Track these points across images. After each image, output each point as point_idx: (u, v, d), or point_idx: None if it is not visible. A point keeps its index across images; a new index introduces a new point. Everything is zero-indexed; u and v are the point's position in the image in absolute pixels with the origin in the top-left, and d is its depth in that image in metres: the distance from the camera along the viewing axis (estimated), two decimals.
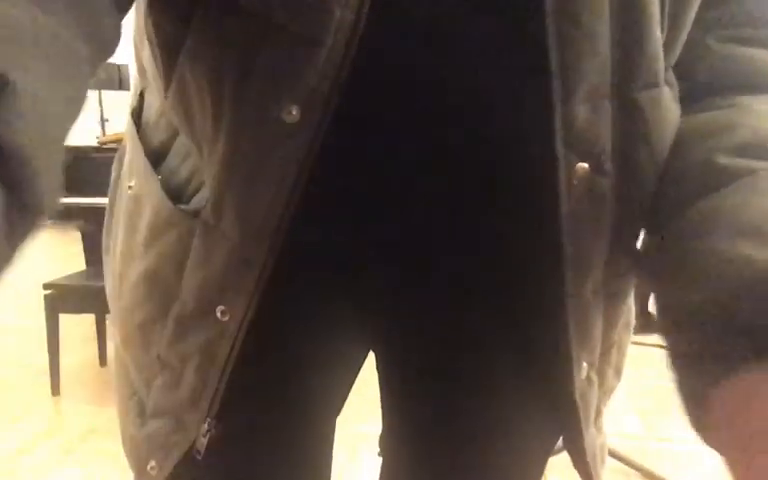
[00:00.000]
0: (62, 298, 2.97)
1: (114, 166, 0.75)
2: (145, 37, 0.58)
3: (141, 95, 0.71)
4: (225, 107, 0.53)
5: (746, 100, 0.53)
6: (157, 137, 0.66)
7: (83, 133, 4.30)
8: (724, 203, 0.48)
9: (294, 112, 0.50)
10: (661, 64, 0.54)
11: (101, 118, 5.50)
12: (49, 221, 0.35)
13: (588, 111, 0.52)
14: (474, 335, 0.67)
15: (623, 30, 0.51)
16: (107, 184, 0.75)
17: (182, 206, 0.60)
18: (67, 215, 3.08)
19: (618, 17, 0.50)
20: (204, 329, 0.60)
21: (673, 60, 0.56)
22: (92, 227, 3.35)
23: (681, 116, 0.56)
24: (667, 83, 0.56)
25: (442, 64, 0.57)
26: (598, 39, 0.50)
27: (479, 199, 0.63)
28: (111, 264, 0.72)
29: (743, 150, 0.49)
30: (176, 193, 0.61)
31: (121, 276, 0.68)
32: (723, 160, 0.50)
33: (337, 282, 0.67)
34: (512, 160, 0.59)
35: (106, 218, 0.75)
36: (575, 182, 0.53)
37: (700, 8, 0.55)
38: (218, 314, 0.59)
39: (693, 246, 0.48)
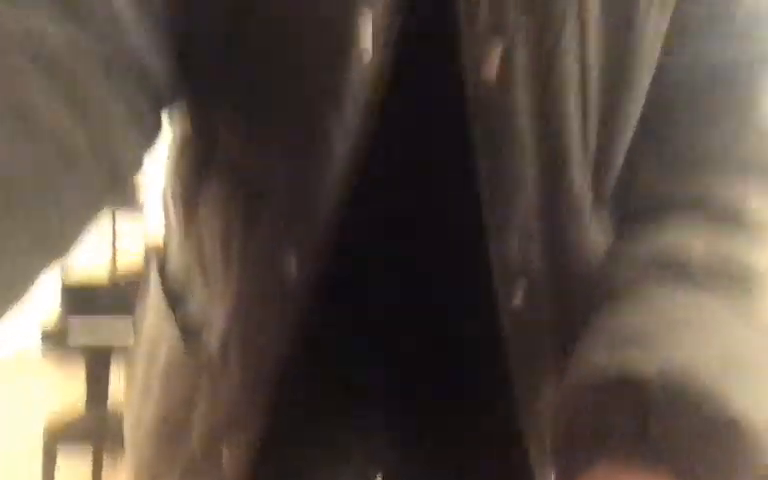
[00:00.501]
0: (61, 431, 2.92)
1: (139, 294, 0.78)
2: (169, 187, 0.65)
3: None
4: (233, 257, 0.59)
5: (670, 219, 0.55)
6: (177, 278, 0.69)
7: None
8: (602, 314, 0.52)
9: (293, 266, 0.56)
10: (586, 201, 0.60)
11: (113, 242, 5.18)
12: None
13: (518, 244, 0.57)
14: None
15: (548, 170, 0.57)
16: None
17: (195, 347, 0.63)
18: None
19: (542, 161, 0.56)
20: (210, 476, 0.63)
21: (603, 193, 0.61)
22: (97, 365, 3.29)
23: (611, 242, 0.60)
24: (595, 217, 0.61)
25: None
26: (525, 180, 0.56)
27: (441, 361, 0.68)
28: (130, 397, 0.74)
29: (644, 266, 0.53)
30: (191, 335, 0.65)
31: (138, 419, 0.70)
32: (621, 274, 0.53)
33: (340, 420, 0.70)
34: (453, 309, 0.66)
35: (132, 345, 0.78)
36: (512, 312, 0.58)
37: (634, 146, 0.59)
38: (223, 460, 0.61)
39: (576, 350, 0.51)
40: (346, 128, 0.54)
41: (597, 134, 0.57)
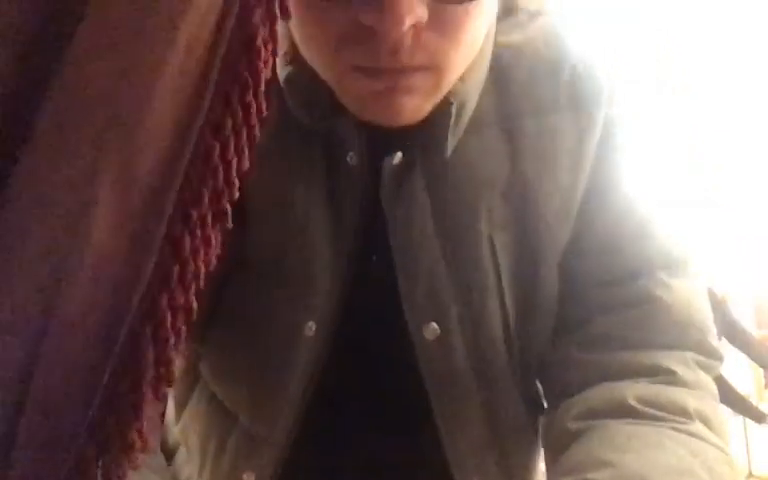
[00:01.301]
0: None
1: None
2: None
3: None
4: (208, 461, 0.75)
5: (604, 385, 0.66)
6: (171, 436, 0.81)
7: None
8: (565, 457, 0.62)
9: None
10: (521, 409, 0.75)
11: None
12: None
13: (474, 458, 0.72)
14: None
15: (488, 397, 0.71)
16: None
17: None
18: None
19: (481, 389, 0.69)
20: None
21: (532, 388, 0.76)
22: None
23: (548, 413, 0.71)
24: (528, 415, 0.76)
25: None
26: (471, 405, 0.70)
27: None
28: None
29: (585, 415, 0.62)
30: None
31: None
32: (572, 425, 0.62)
33: None
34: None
35: None
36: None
37: (560, 331, 0.71)
38: None
39: None
40: (299, 378, 0.68)
41: (519, 341, 0.71)
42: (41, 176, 0.38)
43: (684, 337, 0.67)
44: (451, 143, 0.63)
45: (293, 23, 0.54)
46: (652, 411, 0.60)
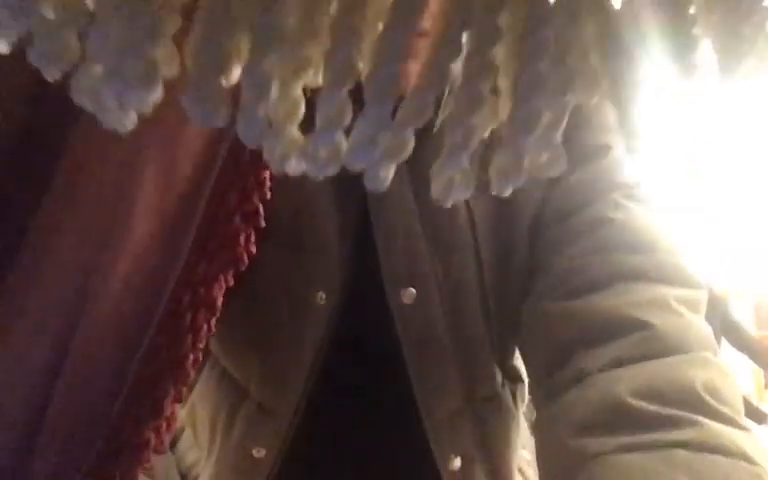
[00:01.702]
0: None
1: None
2: None
3: None
4: (217, 437, 0.77)
5: (585, 363, 0.60)
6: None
7: None
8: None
9: (263, 454, 0.74)
10: (497, 379, 0.75)
11: None
12: None
13: (449, 426, 0.73)
14: None
15: (465, 364, 0.72)
16: None
17: None
18: None
19: (458, 355, 0.71)
20: None
21: (509, 359, 0.77)
22: None
23: (538, 406, 0.68)
24: (504, 387, 0.77)
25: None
26: (447, 373, 0.71)
27: None
28: None
29: (581, 431, 0.57)
30: (182, 475, 0.80)
31: None
32: (571, 443, 0.58)
33: None
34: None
35: None
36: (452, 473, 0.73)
37: (530, 288, 0.69)
38: None
39: None
40: (309, 347, 0.70)
41: (496, 305, 0.71)
42: (79, 181, 0.38)
43: (652, 262, 0.62)
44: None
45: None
46: (654, 409, 0.53)
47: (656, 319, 0.58)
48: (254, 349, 0.74)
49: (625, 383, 0.55)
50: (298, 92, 0.21)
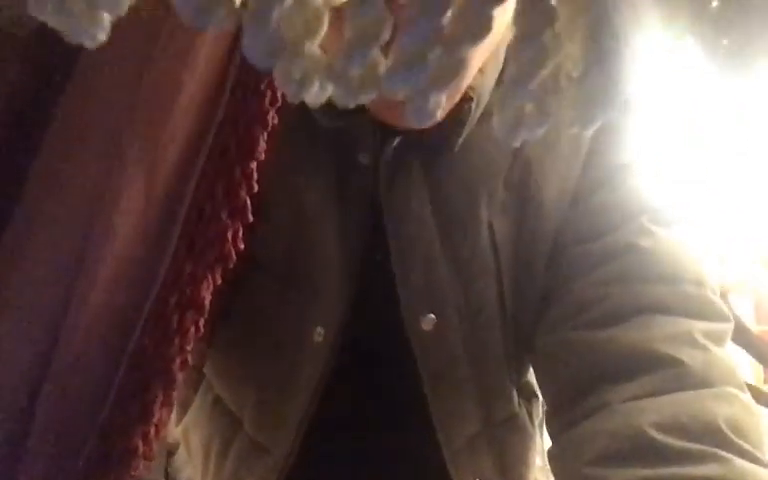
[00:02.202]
0: None
1: None
2: None
3: None
4: (210, 466, 0.75)
5: (609, 396, 0.58)
6: (171, 436, 0.80)
7: None
8: None
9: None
10: (514, 400, 0.73)
11: None
12: None
13: (469, 451, 0.71)
14: None
15: (483, 388, 0.69)
16: None
17: None
18: None
19: (477, 379, 0.68)
20: None
21: (524, 376, 0.75)
22: None
23: (556, 433, 0.65)
24: (521, 407, 0.74)
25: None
26: (466, 398, 0.69)
27: None
28: None
29: (601, 461, 0.56)
30: None
31: None
32: (588, 472, 0.56)
33: None
34: None
35: None
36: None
37: (547, 310, 0.66)
38: None
39: None
40: (305, 384, 0.67)
41: (515, 328, 0.68)
42: (60, 175, 0.37)
43: (677, 294, 0.60)
44: (462, 135, 0.62)
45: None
46: (678, 444, 0.52)
47: (683, 355, 0.56)
48: (249, 383, 0.71)
49: (648, 415, 0.54)
50: (318, 0, 0.16)
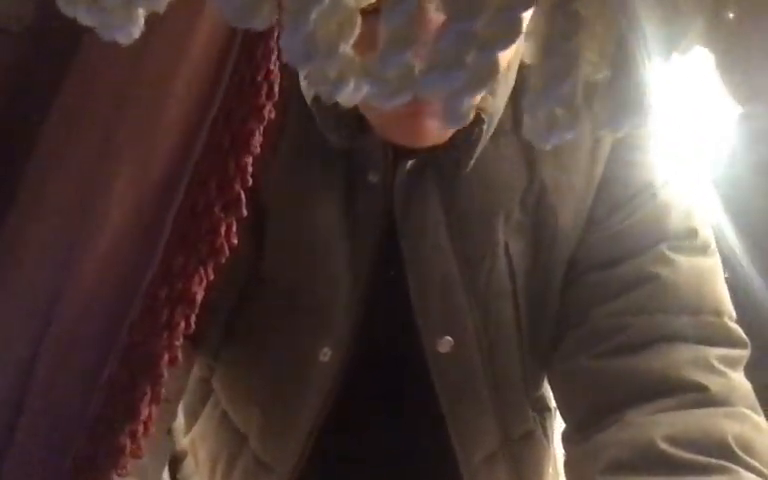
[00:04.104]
0: None
1: None
2: None
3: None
4: (217, 475, 0.75)
5: (627, 415, 0.59)
6: (179, 445, 0.81)
7: None
8: None
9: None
10: (530, 415, 0.74)
11: None
12: None
13: (487, 469, 0.72)
14: None
15: (501, 406, 0.70)
16: None
17: None
18: None
19: (494, 398, 0.69)
20: None
21: (539, 390, 0.75)
22: None
23: (572, 446, 0.67)
24: (536, 422, 0.75)
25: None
26: (484, 418, 0.69)
27: None
28: None
29: (613, 469, 0.57)
30: None
31: None
32: (598, 479, 0.58)
33: None
34: None
35: None
36: None
37: (560, 339, 0.67)
38: None
39: None
40: (311, 405, 0.67)
41: (531, 348, 0.69)
42: (52, 169, 0.36)
43: (695, 324, 0.61)
44: (474, 155, 0.61)
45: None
46: (687, 456, 0.53)
47: (704, 379, 0.58)
48: (254, 401, 0.71)
49: (660, 428, 0.56)
50: (352, 3, 0.16)
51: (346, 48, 0.17)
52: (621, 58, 0.17)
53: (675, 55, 0.21)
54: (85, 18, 0.15)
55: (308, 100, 0.59)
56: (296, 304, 0.65)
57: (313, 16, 0.16)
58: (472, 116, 0.18)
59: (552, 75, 0.17)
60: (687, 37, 0.21)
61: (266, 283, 0.66)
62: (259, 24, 0.15)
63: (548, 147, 0.19)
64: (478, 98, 0.16)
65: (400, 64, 0.16)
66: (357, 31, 0.17)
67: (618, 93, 0.17)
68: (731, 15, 0.20)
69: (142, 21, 0.15)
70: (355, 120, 0.59)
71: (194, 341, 0.70)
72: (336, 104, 0.57)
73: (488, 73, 0.17)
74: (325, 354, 0.65)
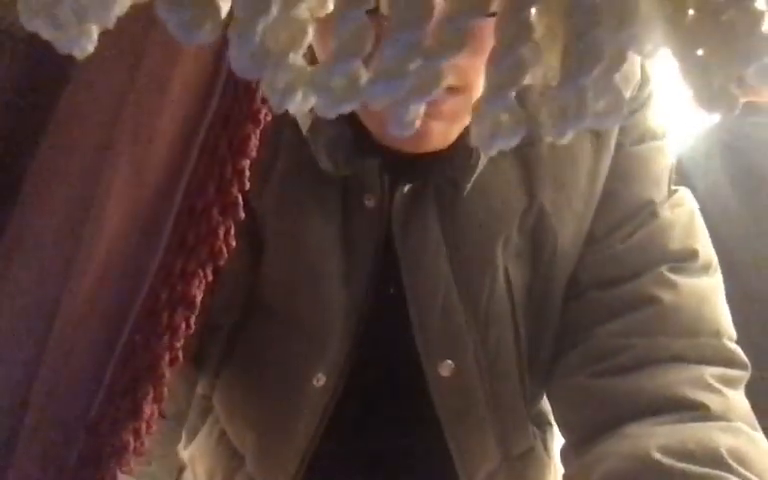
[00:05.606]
0: None
1: None
2: None
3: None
4: None
5: (627, 429, 0.60)
6: (178, 459, 0.82)
7: None
8: None
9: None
10: (530, 432, 0.74)
11: None
12: None
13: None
14: None
15: (501, 425, 0.70)
16: None
17: None
18: None
19: (495, 418, 0.69)
20: None
21: (538, 406, 0.76)
22: None
23: (571, 458, 0.67)
24: (536, 438, 0.76)
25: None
26: (485, 437, 0.70)
27: None
28: None
29: (611, 478, 0.57)
30: None
31: None
32: None
33: None
34: None
35: None
36: None
37: (560, 357, 0.67)
38: None
39: None
40: (304, 429, 0.68)
41: (530, 368, 0.69)
42: (53, 171, 0.37)
43: (697, 346, 0.62)
44: (472, 177, 0.61)
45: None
46: (680, 466, 0.54)
47: (703, 398, 0.59)
48: (250, 423, 0.72)
49: (656, 439, 0.56)
50: (303, 13, 0.17)
51: (296, 58, 0.17)
52: (567, 64, 0.17)
53: (639, 58, 0.21)
54: (44, 32, 0.16)
55: (304, 129, 0.59)
56: (291, 328, 0.66)
57: (261, 27, 0.16)
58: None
59: (498, 82, 0.18)
60: (650, 40, 0.21)
61: (264, 306, 0.66)
62: (203, 39, 0.16)
63: (492, 153, 0.19)
64: (422, 109, 0.16)
65: (346, 73, 0.16)
66: (308, 40, 0.18)
67: (562, 99, 0.18)
68: (691, 12, 0.21)
69: (95, 36, 0.16)
70: (351, 145, 0.59)
71: (196, 363, 0.71)
72: (333, 129, 0.58)
73: (433, 82, 0.17)
74: (318, 380, 0.65)
